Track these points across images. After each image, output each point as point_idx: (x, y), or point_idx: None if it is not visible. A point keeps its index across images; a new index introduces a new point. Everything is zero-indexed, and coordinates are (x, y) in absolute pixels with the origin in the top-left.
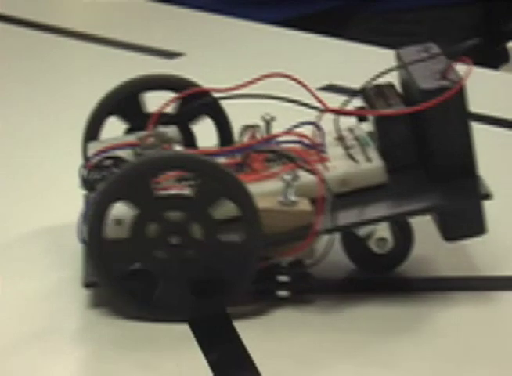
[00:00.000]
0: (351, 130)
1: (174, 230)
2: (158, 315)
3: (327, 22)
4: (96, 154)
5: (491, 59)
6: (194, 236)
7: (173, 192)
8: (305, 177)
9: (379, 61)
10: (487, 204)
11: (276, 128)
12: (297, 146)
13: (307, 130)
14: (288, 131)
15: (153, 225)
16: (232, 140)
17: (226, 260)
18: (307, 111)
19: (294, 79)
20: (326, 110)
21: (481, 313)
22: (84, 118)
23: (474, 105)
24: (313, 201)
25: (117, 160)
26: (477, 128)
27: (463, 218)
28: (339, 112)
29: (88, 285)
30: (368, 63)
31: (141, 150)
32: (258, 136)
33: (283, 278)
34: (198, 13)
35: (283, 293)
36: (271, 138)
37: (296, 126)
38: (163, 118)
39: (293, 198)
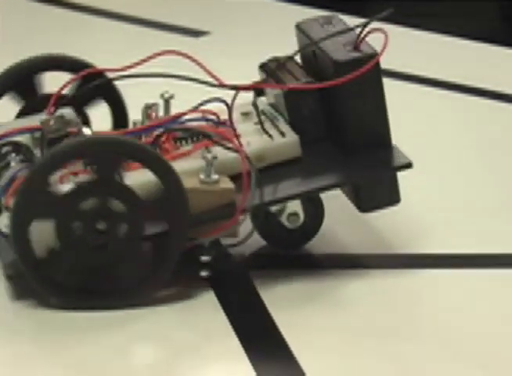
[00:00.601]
0: (254, 105)
1: (99, 216)
2: (82, 302)
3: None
4: None
5: None
6: (119, 219)
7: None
8: (224, 154)
9: (397, 40)
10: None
11: (176, 107)
12: (204, 123)
13: (212, 107)
14: (197, 109)
15: (77, 210)
16: (127, 121)
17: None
18: (208, 89)
19: (187, 56)
20: (221, 85)
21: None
22: None
23: (496, 84)
24: (232, 178)
25: (16, 146)
26: (496, 106)
27: (378, 189)
28: (237, 88)
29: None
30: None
31: (46, 134)
32: (155, 114)
33: (205, 258)
34: None
35: (204, 273)
36: (180, 116)
37: (203, 103)
38: (59, 100)
39: (214, 176)
